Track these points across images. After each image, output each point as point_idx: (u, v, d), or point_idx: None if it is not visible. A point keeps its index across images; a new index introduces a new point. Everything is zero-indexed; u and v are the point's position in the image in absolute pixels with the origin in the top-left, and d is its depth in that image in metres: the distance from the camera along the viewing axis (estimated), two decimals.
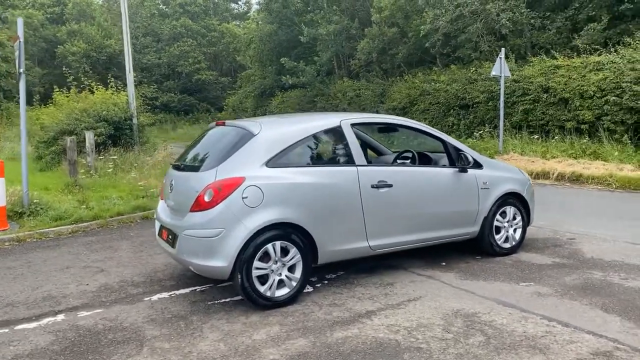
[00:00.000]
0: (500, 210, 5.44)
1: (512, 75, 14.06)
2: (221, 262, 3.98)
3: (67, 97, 15.34)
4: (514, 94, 14.47)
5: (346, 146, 4.60)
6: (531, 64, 14.64)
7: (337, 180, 4.44)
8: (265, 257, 4.13)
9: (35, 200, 8.01)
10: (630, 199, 8.89)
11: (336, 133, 4.62)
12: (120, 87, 15.01)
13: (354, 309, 4.10)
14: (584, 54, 13.76)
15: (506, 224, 5.50)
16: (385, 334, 3.61)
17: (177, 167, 4.75)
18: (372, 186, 4.57)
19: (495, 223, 5.41)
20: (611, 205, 8.39)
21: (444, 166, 5.25)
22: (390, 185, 4.65)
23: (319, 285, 4.72)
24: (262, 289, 4.11)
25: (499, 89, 14.54)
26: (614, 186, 10.15)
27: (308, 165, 4.45)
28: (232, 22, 48.07)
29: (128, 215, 8.16)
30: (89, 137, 11.94)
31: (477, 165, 5.28)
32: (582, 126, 12.87)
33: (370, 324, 3.78)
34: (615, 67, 12.09)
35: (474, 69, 16.19)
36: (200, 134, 5.24)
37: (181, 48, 40.37)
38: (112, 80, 15.18)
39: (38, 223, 7.56)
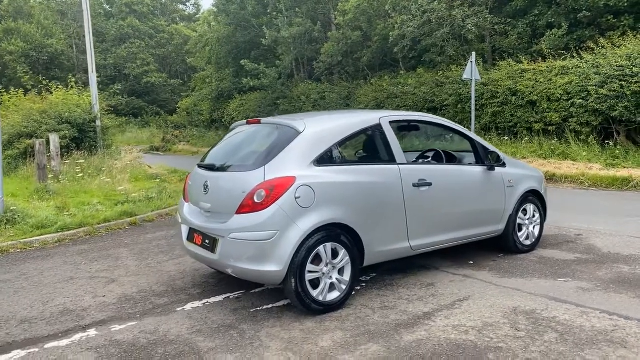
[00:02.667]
0: (522, 208, 5.50)
1: (481, 78, 14.45)
2: (275, 266, 3.75)
3: (11, 97, 14.34)
4: (482, 97, 14.88)
5: (387, 144, 4.49)
6: (498, 67, 15.11)
7: (382, 178, 4.32)
8: (316, 260, 3.94)
9: (12, 208, 7.38)
10: (607, 197, 9.29)
11: (376, 130, 4.50)
12: (81, 88, 14.20)
13: (409, 310, 3.99)
14: (547, 58, 14.33)
15: (527, 222, 5.57)
16: (456, 335, 3.52)
17: (210, 168, 4.46)
18: (414, 185, 4.48)
19: (518, 221, 5.46)
20: (594, 203, 8.74)
21: (470, 164, 5.24)
22: (430, 184, 4.58)
23: (358, 288, 4.57)
24: (314, 293, 3.92)
25: (468, 92, 14.93)
26: (587, 185, 10.62)
27: (353, 163, 4.32)
28: (180, 23, 46.87)
29: (115, 221, 7.67)
30: (54, 140, 11.21)
31: (502, 163, 5.31)
32: (550, 128, 13.41)
33: (435, 326, 3.68)
34: (580, 71, 12.67)
35: (441, 72, 16.53)
36: (227, 133, 4.96)
37: (129, 49, 38.94)
38: (73, 80, 14.33)
39: (18, 232, 6.97)
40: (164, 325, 3.92)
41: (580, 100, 12.46)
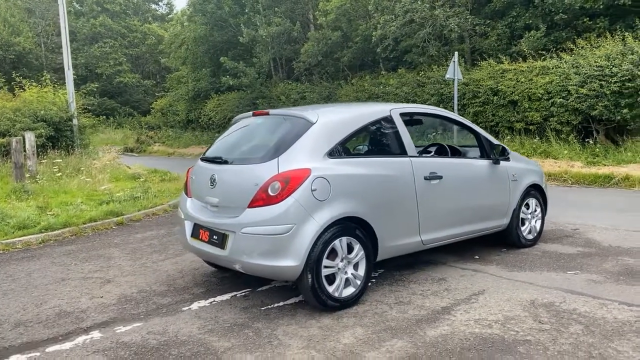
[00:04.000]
0: (525, 202, 5.48)
1: (463, 78, 14.56)
2: (291, 261, 3.61)
3: None
4: (464, 97, 15.00)
5: (398, 136, 4.39)
6: (480, 67, 15.26)
7: (394, 171, 4.22)
8: (331, 255, 3.81)
9: None
10: (592, 193, 9.43)
11: (388, 122, 4.40)
12: (57, 86, 13.71)
13: (426, 305, 3.90)
14: (526, 59, 14.54)
15: (529, 216, 5.56)
16: (480, 329, 3.44)
17: (216, 161, 4.27)
18: (425, 178, 4.40)
19: (521, 215, 5.44)
20: (581, 199, 8.85)
21: (476, 158, 5.19)
22: (440, 177, 4.51)
23: (368, 284, 4.45)
24: (330, 289, 3.79)
25: (449, 92, 15.04)
26: (570, 182, 10.78)
27: (365, 155, 4.21)
28: (153, 23, 46.03)
29: (102, 221, 7.37)
30: (30, 139, 10.75)
31: (507, 157, 5.28)
32: (531, 127, 13.60)
33: (457, 320, 3.59)
34: (560, 71, 12.88)
35: (423, 72, 16.60)
36: (231, 125, 4.78)
37: (102, 49, 37.98)
38: (48, 76, 13.83)
39: None
40: (172, 325, 3.73)
41: (561, 100, 12.66)
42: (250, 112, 4.58)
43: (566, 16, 14.99)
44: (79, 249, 6.20)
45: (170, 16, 49.93)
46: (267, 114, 4.35)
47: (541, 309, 3.75)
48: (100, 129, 34.59)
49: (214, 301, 4.21)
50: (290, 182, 3.64)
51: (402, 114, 4.51)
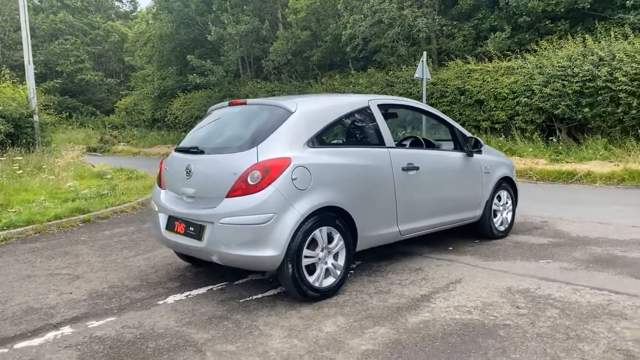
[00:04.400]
0: (497, 195, 5.58)
1: (431, 78, 14.77)
2: (271, 251, 3.55)
3: None
4: (432, 96, 15.22)
5: (376, 127, 4.41)
6: (447, 67, 15.52)
7: (373, 162, 4.23)
8: (312, 244, 3.78)
9: None
10: (557, 189, 9.71)
11: (366, 113, 4.40)
12: (16, 81, 13.19)
13: (405, 294, 3.91)
14: (491, 60, 14.87)
15: (501, 208, 5.67)
16: (460, 315, 3.47)
17: (191, 151, 4.17)
18: (403, 169, 4.42)
19: (493, 207, 5.54)
20: (548, 194, 9.10)
21: (451, 150, 5.26)
22: (417, 168, 4.54)
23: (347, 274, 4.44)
24: (311, 279, 3.76)
25: (418, 91, 15.22)
26: (535, 179, 11.07)
27: (344, 145, 4.19)
28: (117, 20, 44.96)
29: (67, 218, 7.12)
30: None
31: (479, 150, 5.37)
32: (497, 125, 13.91)
33: (437, 307, 3.62)
34: (525, 71, 13.23)
35: (392, 72, 16.76)
36: (207, 116, 4.68)
37: (63, 46, 36.81)
38: (7, 71, 13.30)
39: None
40: (147, 319, 3.62)
41: (526, 99, 13.00)
42: (227, 102, 4.51)
43: (529, 19, 15.40)
44: (44, 246, 5.97)
45: (134, 14, 48.92)
46: (245, 103, 4.28)
47: (518, 295, 3.81)
48: (62, 128, 33.57)
49: (190, 295, 4.11)
50: (270, 171, 3.59)
51: (379, 105, 4.53)
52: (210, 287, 4.29)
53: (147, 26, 29.75)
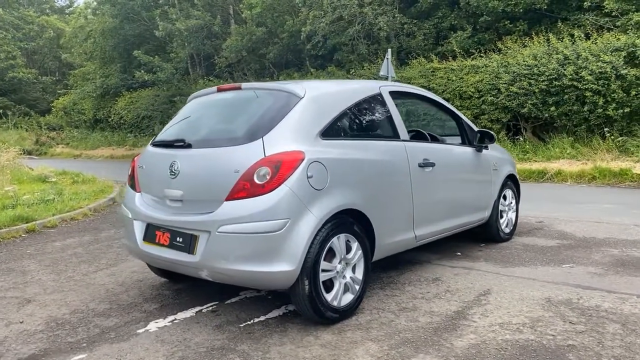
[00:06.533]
0: (502, 194, 5.16)
1: (395, 76, 14.43)
2: (286, 264, 2.89)
3: None
4: None
5: (390, 117, 3.84)
6: (411, 66, 15.25)
7: (390, 157, 3.66)
8: (328, 255, 3.15)
9: None
10: (530, 188, 9.47)
11: (378, 101, 3.83)
12: None
13: (436, 311, 3.35)
14: (454, 58, 14.72)
15: (506, 208, 5.25)
16: (511, 334, 2.94)
17: (175, 145, 3.43)
18: (419, 165, 3.88)
19: (500, 207, 5.11)
20: (526, 193, 8.78)
21: (461, 144, 4.76)
22: (433, 165, 4.01)
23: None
24: (329, 297, 3.13)
25: None
26: None
27: (359, 137, 3.58)
28: (52, 15, 42.25)
29: (8, 228, 6.11)
30: None
31: (486, 145, 4.91)
32: None
33: (479, 326, 3.08)
34: (490, 70, 13.12)
35: (353, 70, 16.32)
36: (187, 104, 3.94)
37: None
38: None
39: None
40: (128, 354, 2.87)
41: (492, 98, 12.88)
42: (213, 88, 3.79)
43: (489, 18, 15.42)
44: None
45: (70, 9, 46.19)
46: (239, 88, 3.58)
47: (562, 307, 3.34)
48: None
49: (176, 319, 3.37)
50: (281, 168, 2.94)
51: (391, 92, 3.97)
52: (198, 308, 3.57)
53: (87, 21, 27.93)
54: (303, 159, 3.00)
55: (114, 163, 20.01)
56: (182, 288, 4.03)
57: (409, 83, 14.64)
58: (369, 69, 15.88)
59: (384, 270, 4.31)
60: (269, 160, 2.96)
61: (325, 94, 3.47)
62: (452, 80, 13.82)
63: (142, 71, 20.43)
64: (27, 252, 5.39)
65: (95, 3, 27.43)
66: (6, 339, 3.16)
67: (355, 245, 3.31)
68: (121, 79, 24.54)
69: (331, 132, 3.32)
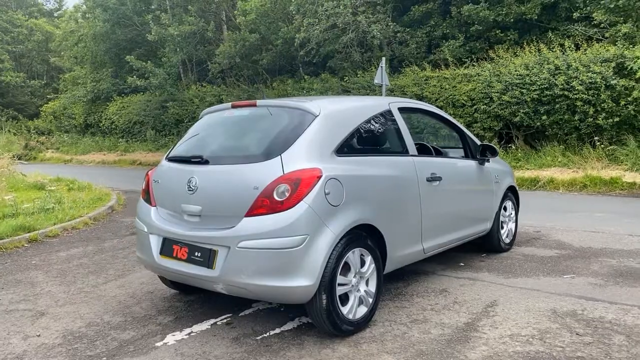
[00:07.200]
0: (503, 205, 5.29)
1: (389, 84, 14.59)
2: (304, 279, 2.98)
3: None
4: None
5: (399, 133, 3.95)
6: (404, 74, 15.42)
7: (400, 172, 3.76)
8: (343, 270, 3.24)
9: None
10: (524, 196, 9.65)
11: (388, 117, 3.93)
12: None
13: (446, 322, 3.45)
14: (447, 67, 14.93)
15: (507, 219, 5.39)
16: (521, 346, 3.05)
17: (192, 161, 3.50)
18: (427, 179, 3.99)
19: (500, 218, 5.24)
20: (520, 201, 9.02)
21: (463, 157, 4.90)
22: (440, 179, 4.12)
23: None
24: (345, 310, 3.22)
25: None
26: None
27: (371, 153, 3.68)
28: (41, 18, 41.95)
29: (11, 238, 6.11)
30: None
31: (488, 159, 5.05)
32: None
33: (490, 338, 3.18)
34: (482, 79, 13.33)
35: (347, 77, 16.45)
36: (200, 120, 4.01)
37: None
38: None
39: None
40: None
41: (484, 106, 13.08)
42: (227, 104, 3.86)
43: (481, 28, 15.65)
44: None
45: (59, 12, 45.92)
46: (255, 105, 3.66)
47: (568, 318, 3.46)
48: None
49: (192, 332, 3.44)
50: (300, 185, 3.02)
51: (400, 109, 4.08)
52: (213, 320, 3.64)
53: (77, 25, 27.81)
54: (321, 177, 3.09)
55: (106, 169, 19.93)
56: (193, 300, 4.09)
57: (402, 91, 14.84)
58: (363, 76, 16.02)
59: (391, 281, 4.41)
60: (288, 177, 3.04)
61: (338, 111, 3.57)
62: (445, 89, 14.01)
63: (134, 76, 20.37)
64: (32, 262, 5.40)
65: (84, 7, 27.34)
66: (25, 353, 3.20)
67: (368, 259, 3.40)
68: (113, 83, 24.46)
69: (345, 148, 3.42)
